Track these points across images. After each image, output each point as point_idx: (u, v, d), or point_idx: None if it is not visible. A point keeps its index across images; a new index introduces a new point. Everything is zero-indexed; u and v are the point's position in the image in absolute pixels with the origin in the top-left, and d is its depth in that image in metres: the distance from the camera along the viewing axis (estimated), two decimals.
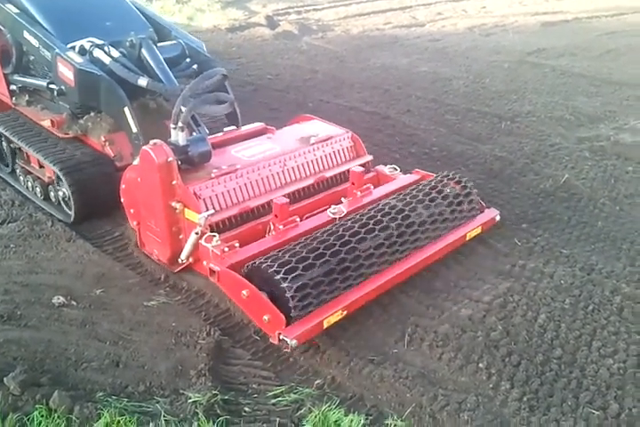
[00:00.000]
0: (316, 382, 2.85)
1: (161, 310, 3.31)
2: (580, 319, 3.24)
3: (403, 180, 4.04)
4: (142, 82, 3.80)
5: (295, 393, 2.76)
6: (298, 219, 3.47)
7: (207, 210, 3.35)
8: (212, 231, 3.32)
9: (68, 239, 3.94)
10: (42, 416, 2.58)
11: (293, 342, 2.82)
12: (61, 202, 4.30)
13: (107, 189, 3.95)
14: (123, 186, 3.70)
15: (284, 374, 2.91)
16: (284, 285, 2.92)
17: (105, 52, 4.00)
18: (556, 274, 3.59)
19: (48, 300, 3.36)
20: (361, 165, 3.97)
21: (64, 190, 4.16)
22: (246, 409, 2.68)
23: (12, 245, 3.88)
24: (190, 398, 2.66)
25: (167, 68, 3.95)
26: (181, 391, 2.74)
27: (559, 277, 3.56)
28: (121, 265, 3.71)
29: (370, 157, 4.21)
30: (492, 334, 3.07)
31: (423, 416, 2.64)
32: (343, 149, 4.11)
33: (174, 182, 3.37)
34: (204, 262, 3.29)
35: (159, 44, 4.17)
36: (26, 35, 4.28)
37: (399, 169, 4.18)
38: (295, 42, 9.56)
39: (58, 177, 4.14)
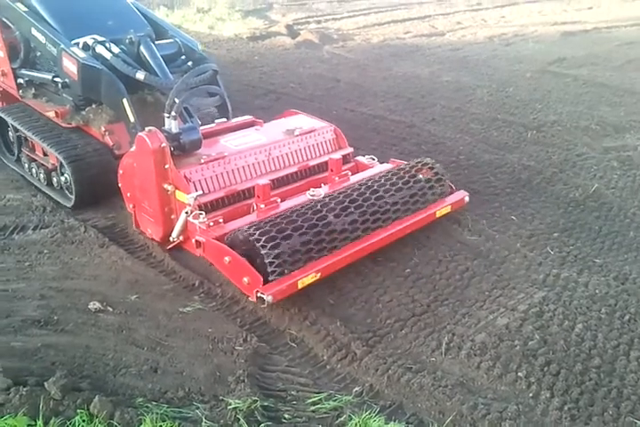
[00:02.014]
0: (355, 389, 2.84)
1: (196, 316, 3.32)
2: (616, 329, 3.22)
3: (379, 168, 4.32)
4: (140, 75, 4.06)
5: (334, 401, 2.75)
6: (279, 200, 3.77)
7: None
8: (200, 211, 3.61)
9: (101, 245, 3.97)
10: (83, 421, 2.58)
11: (269, 298, 3.09)
12: (63, 187, 4.58)
13: (105, 175, 4.21)
14: (120, 171, 3.99)
15: (321, 382, 2.90)
16: (264, 252, 3.20)
17: (106, 49, 4.27)
18: (591, 283, 3.58)
19: (84, 305, 3.38)
20: (342, 156, 4.24)
21: (66, 176, 4.43)
22: (286, 416, 2.67)
23: (45, 251, 3.92)
24: (230, 405, 2.66)
25: (163, 63, 4.23)
26: (221, 397, 2.75)
27: (594, 287, 3.54)
28: (155, 271, 3.73)
29: (350, 149, 4.47)
30: (529, 343, 3.06)
31: (464, 425, 2.63)
32: (326, 142, 4.39)
33: (167, 166, 3.67)
34: (193, 240, 3.57)
35: (157, 42, 4.44)
36: (33, 31, 4.55)
37: (376, 159, 4.46)
38: (316, 51, 9.61)
39: (61, 164, 4.42)
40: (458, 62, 8.79)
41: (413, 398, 2.78)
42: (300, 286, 3.23)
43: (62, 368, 2.89)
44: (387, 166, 4.30)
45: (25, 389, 2.69)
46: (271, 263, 3.19)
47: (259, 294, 3.13)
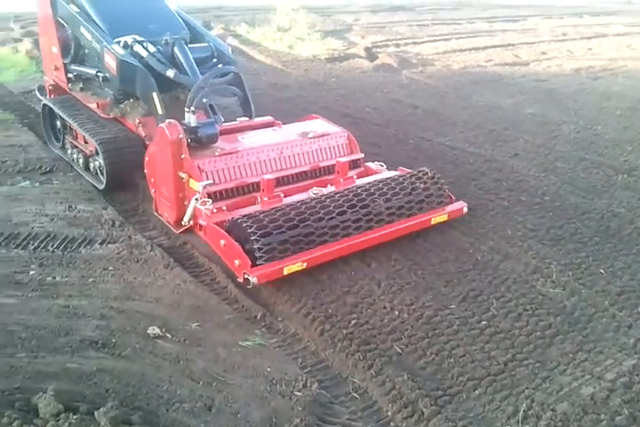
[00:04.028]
0: None
1: (256, 352, 3.16)
2: None
3: (385, 174, 4.51)
4: (170, 73, 4.52)
5: None
6: (282, 195, 4.07)
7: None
8: (208, 199, 3.97)
9: (166, 266, 3.88)
10: None
11: (254, 279, 3.44)
12: (98, 171, 5.00)
13: (134, 162, 4.55)
14: (146, 158, 4.36)
15: None
16: (253, 238, 3.55)
17: (143, 48, 4.72)
18: None
19: (143, 329, 3.28)
20: (353, 161, 4.57)
21: (100, 161, 4.80)
22: None
23: (110, 268, 3.86)
24: None
25: (194, 64, 4.64)
26: None
27: None
28: (217, 298, 3.61)
29: (361, 155, 4.69)
30: (616, 418, 2.75)
31: None
32: (338, 146, 4.62)
33: (183, 156, 4.03)
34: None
35: (193, 46, 4.92)
36: (82, 30, 5.04)
37: (385, 166, 4.69)
38: (394, 75, 9.46)
39: (96, 150, 4.81)
40: (543, 94, 8.46)
41: None
42: (285, 273, 3.55)
43: (115, 397, 2.78)
44: (392, 173, 4.50)
45: (75, 417, 2.59)
46: (259, 249, 3.53)
47: (245, 276, 3.49)
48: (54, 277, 3.74)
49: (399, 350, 3.16)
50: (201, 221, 3.92)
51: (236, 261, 3.57)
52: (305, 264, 3.61)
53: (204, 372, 3.00)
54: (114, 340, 3.19)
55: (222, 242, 3.67)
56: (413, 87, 8.72)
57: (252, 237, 3.56)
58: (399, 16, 16.11)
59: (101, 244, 4.16)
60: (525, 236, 4.39)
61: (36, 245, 4.11)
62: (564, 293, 3.68)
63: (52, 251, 4.05)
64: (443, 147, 6.14)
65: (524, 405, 2.82)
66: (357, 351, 3.12)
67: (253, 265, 3.52)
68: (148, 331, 3.27)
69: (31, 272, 3.80)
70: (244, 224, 3.61)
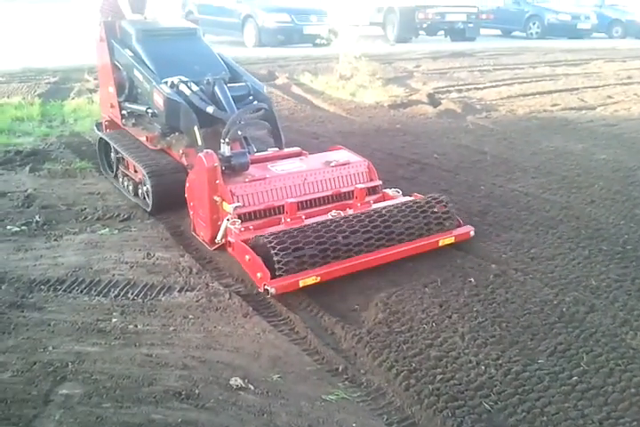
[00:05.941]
0: None
1: (340, 406, 3.09)
2: None
3: (400, 199, 4.90)
4: (210, 109, 5.06)
5: None
6: (303, 216, 4.52)
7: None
8: (237, 219, 4.46)
9: (245, 315, 3.89)
10: None
11: (273, 290, 3.90)
12: (145, 196, 5.60)
13: (177, 187, 5.06)
14: (187, 184, 4.89)
15: None
16: (273, 253, 4.00)
17: (187, 87, 5.30)
18: None
19: (225, 380, 3.26)
20: (371, 188, 5.01)
21: (147, 187, 5.41)
22: None
23: (190, 316, 3.89)
24: None
25: (232, 101, 5.18)
26: None
27: None
28: (297, 349, 3.58)
29: (379, 182, 5.12)
30: None
31: None
32: (358, 173, 5.06)
33: (217, 182, 4.53)
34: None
35: (232, 85, 5.49)
36: (135, 72, 5.70)
37: (401, 192, 5.11)
38: (459, 121, 9.45)
39: (144, 177, 5.41)
40: (614, 139, 8.27)
41: None
42: (301, 285, 3.99)
43: None
44: (406, 199, 4.89)
45: None
46: (278, 262, 3.98)
47: (265, 287, 3.95)
48: (136, 326, 3.78)
49: (489, 408, 3.04)
50: (230, 239, 4.43)
51: (258, 274, 4.04)
52: (319, 278, 4.04)
53: (289, 426, 2.96)
54: (197, 391, 3.17)
55: (247, 257, 4.15)
56: (479, 133, 8.68)
57: (272, 252, 3.99)
58: (460, 62, 16.22)
59: (180, 291, 4.20)
60: (610, 287, 4.22)
61: (116, 292, 4.18)
62: None
63: (133, 298, 4.12)
64: (516, 193, 6.04)
65: None
66: (445, 408, 3.01)
67: (273, 278, 3.95)
68: (231, 382, 3.25)
69: (113, 320, 3.86)
70: (265, 240, 4.07)
